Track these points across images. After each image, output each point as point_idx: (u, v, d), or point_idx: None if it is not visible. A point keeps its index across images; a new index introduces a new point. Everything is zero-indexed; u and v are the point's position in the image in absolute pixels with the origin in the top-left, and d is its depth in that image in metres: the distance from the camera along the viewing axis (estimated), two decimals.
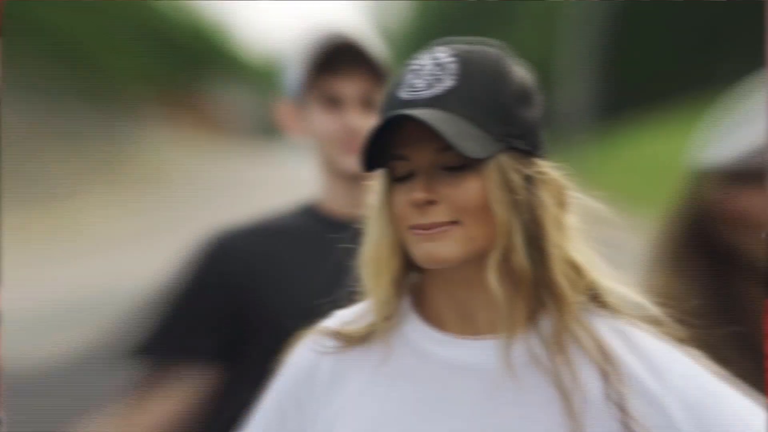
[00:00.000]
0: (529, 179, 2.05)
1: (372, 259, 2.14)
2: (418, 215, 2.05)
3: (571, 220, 2.10)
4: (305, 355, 2.17)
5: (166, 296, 3.41)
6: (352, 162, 3.31)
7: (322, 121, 3.37)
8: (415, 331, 2.13)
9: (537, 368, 2.05)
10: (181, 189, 34.52)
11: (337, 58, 3.30)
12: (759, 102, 2.99)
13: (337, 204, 3.40)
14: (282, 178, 34.02)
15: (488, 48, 2.10)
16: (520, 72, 2.09)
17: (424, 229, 2.05)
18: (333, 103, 3.33)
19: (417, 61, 2.08)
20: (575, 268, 2.07)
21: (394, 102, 2.07)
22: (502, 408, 2.05)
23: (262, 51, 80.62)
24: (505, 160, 2.04)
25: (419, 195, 2.04)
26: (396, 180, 2.08)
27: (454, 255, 2.05)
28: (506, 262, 2.05)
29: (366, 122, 3.32)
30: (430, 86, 2.05)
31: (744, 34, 33.16)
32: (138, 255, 19.17)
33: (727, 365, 2.35)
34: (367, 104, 3.36)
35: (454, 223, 2.04)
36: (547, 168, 2.09)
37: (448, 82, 2.05)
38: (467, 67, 2.06)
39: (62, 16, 29.01)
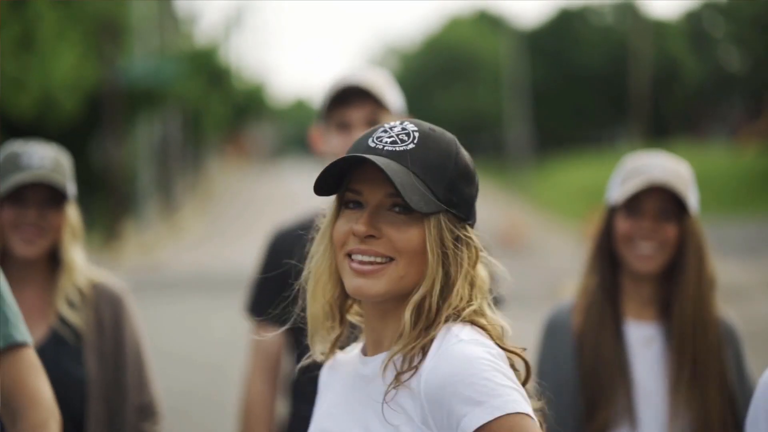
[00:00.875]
0: (457, 239, 1.96)
1: (312, 281, 2.00)
2: (356, 243, 1.95)
3: (480, 272, 1.99)
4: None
5: (254, 275, 3.43)
6: None
7: (335, 141, 3.30)
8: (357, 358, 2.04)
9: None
10: (230, 200, 36.22)
11: (346, 93, 3.28)
12: (640, 161, 3.16)
13: None
14: (284, 192, 35.55)
15: (446, 133, 2.02)
16: (466, 158, 2.01)
17: (361, 263, 1.94)
18: (344, 127, 3.29)
19: (389, 124, 2.01)
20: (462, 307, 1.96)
21: (361, 146, 1.98)
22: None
23: (284, 99, 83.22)
24: (444, 219, 1.95)
25: (361, 227, 1.93)
26: (345, 208, 1.97)
27: (382, 292, 1.94)
28: (419, 301, 1.94)
29: None
30: (394, 143, 1.96)
31: (631, 105, 36.83)
32: (220, 246, 22.74)
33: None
34: (371, 125, 3.26)
35: (390, 259, 1.94)
36: (472, 234, 1.99)
37: (409, 145, 1.96)
38: (426, 139, 1.98)
39: (197, 91, 32.26)
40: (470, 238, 1.98)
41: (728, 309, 3.22)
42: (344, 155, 1.96)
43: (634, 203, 3.12)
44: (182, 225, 28.68)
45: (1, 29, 15.42)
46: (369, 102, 3.30)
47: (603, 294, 3.14)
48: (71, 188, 3.26)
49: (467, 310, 1.94)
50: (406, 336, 1.93)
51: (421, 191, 1.93)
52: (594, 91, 45.25)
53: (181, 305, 14.61)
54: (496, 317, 1.99)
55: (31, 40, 16.04)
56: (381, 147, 1.96)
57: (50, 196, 3.23)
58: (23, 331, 2.56)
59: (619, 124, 44.42)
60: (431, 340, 1.93)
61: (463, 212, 1.98)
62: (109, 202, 21.38)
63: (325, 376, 2.09)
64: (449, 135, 2.02)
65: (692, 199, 3.13)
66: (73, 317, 3.25)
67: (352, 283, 1.95)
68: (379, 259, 1.94)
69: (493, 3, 56.79)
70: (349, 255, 1.96)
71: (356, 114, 3.30)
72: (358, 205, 1.96)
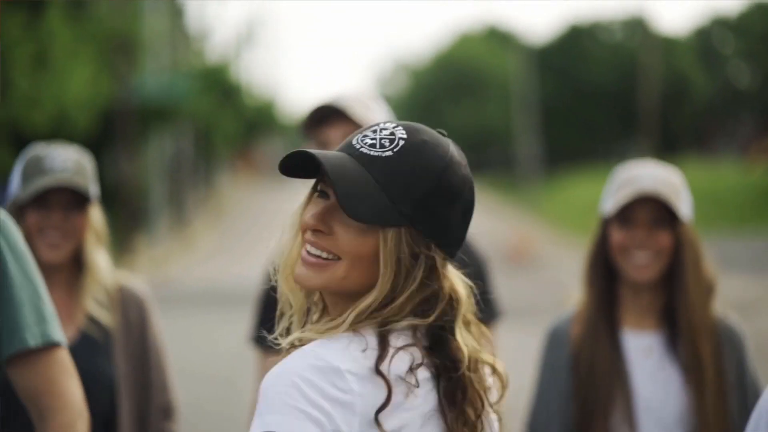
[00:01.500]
0: (415, 256, 1.85)
1: (284, 267, 1.94)
2: (309, 233, 1.89)
3: (458, 289, 1.89)
4: None
5: (261, 298, 3.47)
6: None
7: None
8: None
9: None
10: (241, 215, 36.23)
11: (323, 113, 3.31)
12: (630, 172, 3.15)
13: None
14: (293, 207, 35.72)
15: (445, 148, 1.89)
16: (455, 177, 1.88)
17: (308, 254, 1.88)
18: (323, 146, 3.27)
19: (384, 123, 1.91)
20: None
21: (347, 145, 1.90)
22: None
23: (294, 115, 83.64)
24: (406, 234, 1.85)
25: (310, 221, 1.87)
26: (318, 195, 1.90)
27: (318, 286, 1.88)
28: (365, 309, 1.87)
29: None
30: (372, 146, 1.86)
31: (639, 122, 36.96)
32: (230, 260, 22.74)
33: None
34: None
35: (337, 258, 1.87)
36: (436, 253, 1.87)
37: (386, 152, 1.85)
38: (410, 150, 1.86)
39: (209, 107, 32.43)
40: (432, 257, 1.86)
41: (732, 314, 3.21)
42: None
43: (627, 213, 3.13)
44: (193, 239, 28.84)
45: (15, 47, 15.63)
46: (345, 121, 3.31)
47: (599, 305, 3.14)
48: (94, 190, 3.27)
49: (402, 323, 1.86)
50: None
51: (373, 201, 1.83)
52: (603, 106, 45.38)
53: (191, 319, 14.73)
54: (462, 338, 1.88)
55: (45, 58, 16.21)
56: (358, 147, 1.88)
57: (74, 198, 3.23)
58: (59, 332, 2.57)
59: (628, 139, 44.52)
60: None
61: (431, 231, 1.86)
62: (121, 217, 21.54)
63: None
64: (442, 151, 1.88)
65: (684, 206, 3.14)
66: (103, 316, 3.27)
67: (295, 270, 1.89)
68: (324, 255, 1.87)
69: (503, 20, 57.03)
70: (306, 239, 1.90)
71: (333, 133, 3.32)
72: (324, 195, 1.89)
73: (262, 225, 29.94)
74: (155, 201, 27.77)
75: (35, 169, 3.22)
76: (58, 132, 16.16)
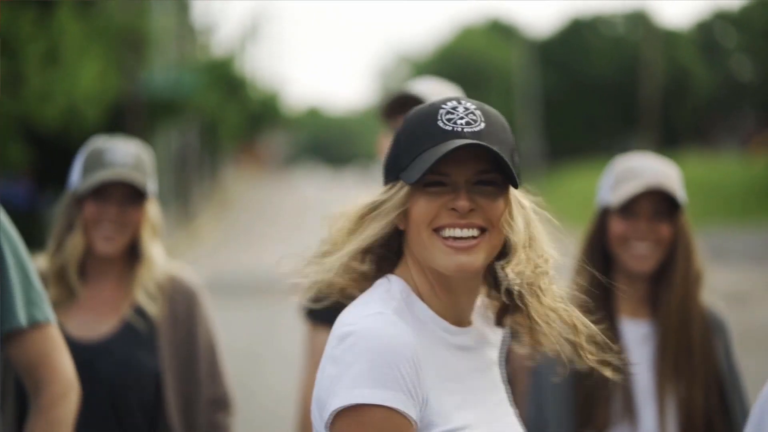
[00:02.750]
0: (524, 204, 2.01)
1: (361, 248, 1.99)
2: (453, 217, 1.93)
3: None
4: (406, 338, 1.96)
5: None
6: None
7: None
8: (441, 329, 2.01)
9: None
10: (246, 207, 36.13)
11: (404, 101, 3.33)
12: (629, 164, 3.19)
13: None
14: (297, 199, 35.27)
15: (490, 107, 2.03)
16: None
17: (457, 240, 1.93)
18: None
19: (447, 104, 1.97)
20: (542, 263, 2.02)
21: (438, 131, 1.94)
22: (495, 378, 2.06)
23: (297, 108, 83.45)
24: (519, 192, 2.00)
25: (465, 203, 1.92)
26: (424, 188, 1.94)
27: (482, 265, 1.95)
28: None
29: None
30: (468, 124, 1.94)
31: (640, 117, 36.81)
32: (236, 252, 22.92)
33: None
34: None
35: (483, 232, 1.95)
36: (523, 194, 2.03)
37: (481, 124, 1.95)
38: (489, 116, 1.98)
39: (214, 101, 32.40)
40: (523, 198, 2.02)
41: (731, 312, 3.29)
42: (431, 142, 1.95)
43: (629, 205, 3.16)
44: (199, 232, 28.97)
45: (27, 44, 15.88)
46: None
47: (596, 294, 3.01)
48: (152, 185, 3.30)
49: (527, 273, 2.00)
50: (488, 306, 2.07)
51: (510, 166, 1.95)
52: (605, 100, 45.43)
53: None
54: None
55: (56, 54, 16.45)
56: (460, 129, 1.95)
57: (131, 193, 3.25)
58: (46, 311, 2.68)
59: (629, 133, 44.62)
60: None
61: (521, 178, 2.01)
62: None
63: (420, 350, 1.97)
64: (495, 110, 2.03)
65: (681, 196, 3.19)
66: (150, 308, 3.29)
67: (451, 261, 1.94)
68: (475, 233, 1.94)
69: (505, 13, 57.09)
70: (436, 231, 1.95)
71: None
72: (441, 185, 1.95)
73: (267, 217, 30.95)
74: (162, 194, 27.88)
75: (95, 161, 3.26)
76: (69, 126, 16.43)
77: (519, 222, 1.98)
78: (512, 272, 1.97)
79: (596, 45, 46.77)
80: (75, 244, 3.25)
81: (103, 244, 3.25)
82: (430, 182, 1.95)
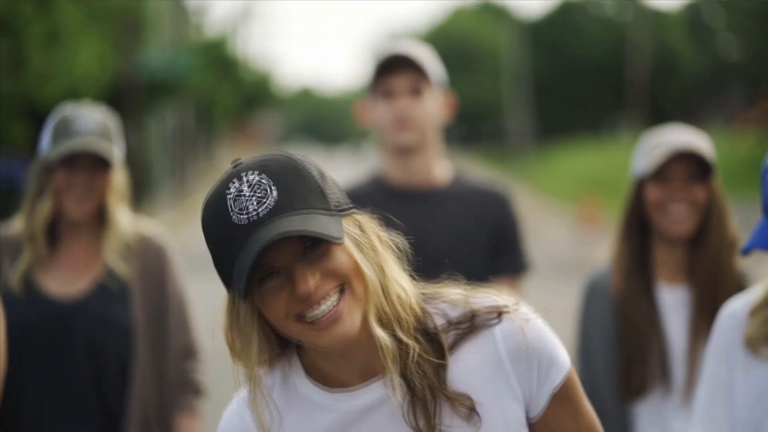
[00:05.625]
0: (362, 232, 1.83)
1: (248, 357, 1.83)
2: (304, 303, 1.78)
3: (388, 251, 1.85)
4: (234, 426, 1.88)
5: None
6: (402, 138, 3.34)
7: (380, 109, 3.36)
8: (318, 395, 1.86)
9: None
10: None
11: (391, 62, 3.33)
12: (661, 136, 3.26)
13: (396, 174, 3.40)
14: None
15: (275, 154, 1.83)
16: (305, 160, 1.83)
17: (323, 317, 1.77)
18: (389, 95, 3.34)
19: (230, 189, 1.78)
20: (403, 290, 1.85)
21: (235, 229, 1.76)
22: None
23: (290, 87, 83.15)
24: (348, 227, 1.82)
25: (304, 287, 1.76)
26: (258, 285, 1.78)
27: (358, 323, 1.79)
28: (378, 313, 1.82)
29: (414, 106, 3.34)
30: (260, 203, 1.76)
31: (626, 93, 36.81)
32: None
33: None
34: (414, 93, 3.36)
35: (341, 290, 1.79)
36: (361, 216, 1.85)
37: (273, 195, 1.77)
38: (275, 175, 1.78)
39: (208, 81, 32.75)
40: (362, 222, 1.86)
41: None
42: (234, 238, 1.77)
43: (663, 171, 3.21)
44: (195, 209, 28.60)
45: (28, 26, 16.20)
46: (412, 70, 3.32)
47: (637, 260, 3.22)
48: (118, 152, 3.36)
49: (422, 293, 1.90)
50: (388, 349, 1.82)
51: (323, 220, 1.79)
52: (594, 80, 45.65)
53: (196, 283, 15.36)
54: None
55: (56, 36, 16.80)
56: (255, 217, 1.77)
57: (98, 160, 3.33)
58: None
59: (618, 112, 44.84)
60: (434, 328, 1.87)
61: (345, 205, 1.85)
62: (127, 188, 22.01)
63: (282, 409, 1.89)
64: (281, 155, 1.84)
65: (714, 163, 3.23)
66: (119, 268, 3.37)
67: (325, 338, 1.79)
68: (335, 299, 1.79)
69: None
70: (299, 318, 1.80)
71: (400, 81, 3.33)
72: (272, 274, 1.79)
73: None
74: (158, 172, 28.20)
75: (63, 130, 3.31)
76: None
77: (364, 266, 1.81)
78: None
79: (586, 26, 46.99)
80: (44, 209, 3.35)
81: (73, 208, 3.35)
82: (262, 277, 1.79)
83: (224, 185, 1.80)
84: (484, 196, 3.46)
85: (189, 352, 3.45)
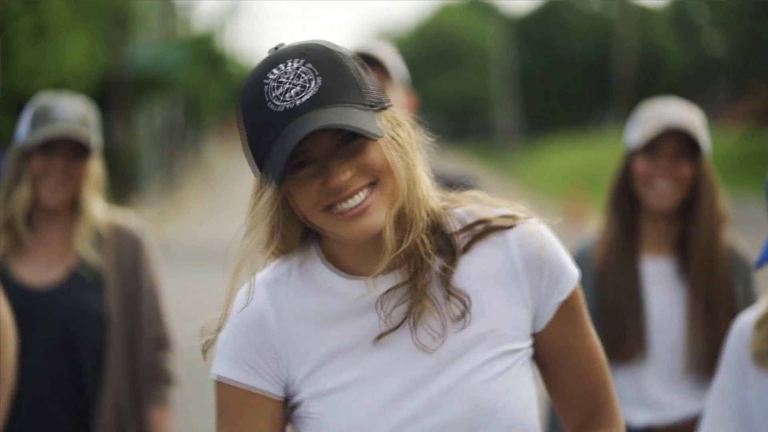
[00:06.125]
0: (396, 129, 1.82)
1: (259, 244, 1.84)
2: (335, 195, 1.77)
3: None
4: (250, 308, 1.87)
5: None
6: None
7: None
8: (334, 281, 1.85)
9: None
10: (228, 180, 35.33)
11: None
12: (655, 109, 3.27)
13: None
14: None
15: (318, 42, 1.81)
16: (347, 50, 1.82)
17: (351, 209, 1.77)
18: None
19: (270, 76, 1.75)
20: (425, 188, 1.85)
21: (274, 115, 1.75)
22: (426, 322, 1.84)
23: None
24: (383, 123, 1.80)
25: (338, 179, 1.76)
26: (289, 174, 1.76)
27: (383, 219, 1.79)
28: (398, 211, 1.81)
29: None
30: (300, 93, 1.74)
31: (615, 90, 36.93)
32: (219, 221, 21.70)
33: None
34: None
35: (371, 185, 1.78)
36: (396, 112, 1.83)
37: (313, 84, 1.75)
38: (318, 65, 1.76)
39: (196, 77, 32.71)
40: (398, 118, 1.84)
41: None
42: (272, 138, 1.76)
43: (652, 145, 3.25)
44: (183, 203, 29.15)
45: (16, 20, 16.20)
46: (375, 69, 3.24)
47: (622, 231, 3.27)
48: (96, 141, 3.36)
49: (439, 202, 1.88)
50: (387, 247, 1.81)
51: (362, 116, 1.77)
52: (580, 76, 45.76)
53: (186, 276, 15.33)
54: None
55: (44, 30, 16.80)
56: (293, 105, 1.75)
57: (76, 148, 3.33)
58: None
59: (604, 108, 44.99)
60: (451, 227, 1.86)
61: (382, 102, 1.82)
62: (115, 182, 22.12)
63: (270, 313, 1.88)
64: (322, 43, 1.81)
65: (704, 140, 3.26)
66: (92, 258, 3.37)
67: (351, 230, 1.79)
68: (363, 196, 1.78)
69: None
70: (327, 209, 1.80)
71: None
72: (305, 163, 1.78)
73: (248, 189, 31.05)
74: (146, 167, 28.23)
75: (42, 117, 3.31)
76: None
77: (397, 164, 1.80)
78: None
79: (572, 22, 47.08)
80: (22, 195, 3.34)
81: (50, 195, 3.35)
82: (295, 165, 1.77)
83: (265, 70, 1.78)
84: (454, 185, 3.48)
85: (161, 343, 3.46)
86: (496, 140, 43.52)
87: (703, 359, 3.22)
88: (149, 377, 3.44)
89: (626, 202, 3.30)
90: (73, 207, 3.39)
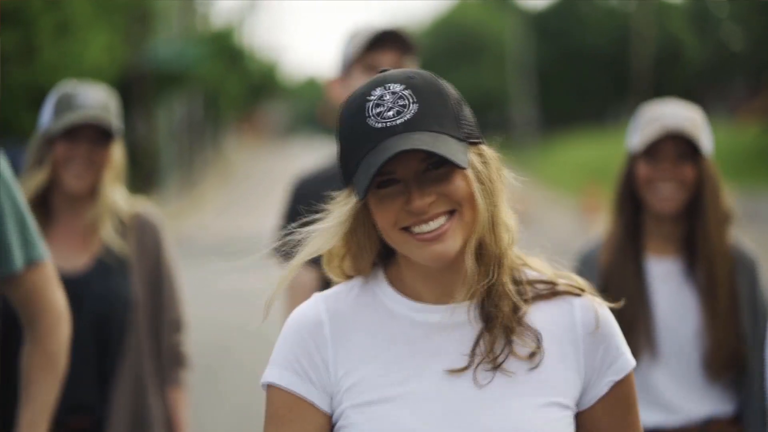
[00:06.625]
0: (485, 165, 1.88)
1: (344, 253, 1.93)
2: (414, 216, 1.84)
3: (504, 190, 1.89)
4: (308, 316, 1.93)
5: (279, 220, 3.54)
6: None
7: (362, 82, 3.11)
8: (397, 303, 1.91)
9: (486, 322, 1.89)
10: (246, 175, 36.66)
11: (378, 38, 3.36)
12: (655, 111, 3.28)
13: None
14: (295, 167, 35.26)
15: (420, 72, 1.90)
16: (447, 83, 1.90)
17: (429, 233, 1.83)
18: (372, 69, 3.33)
19: (373, 94, 1.86)
20: (510, 233, 1.90)
21: (370, 131, 1.84)
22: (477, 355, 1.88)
23: (295, 78, 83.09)
24: (473, 157, 1.87)
25: (419, 202, 1.83)
26: (375, 189, 1.84)
27: (458, 247, 1.85)
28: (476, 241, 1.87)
29: None
30: (399, 114, 1.83)
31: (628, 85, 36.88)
32: (236, 216, 23.41)
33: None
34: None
35: (451, 212, 1.85)
36: (486, 150, 1.91)
37: (413, 108, 1.83)
38: (419, 92, 1.85)
39: (215, 72, 33.02)
40: (487, 156, 1.90)
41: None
42: (359, 146, 1.84)
43: (653, 149, 3.25)
44: (202, 198, 29.32)
45: (40, 17, 16.38)
46: (398, 47, 3.37)
47: (626, 233, 3.29)
48: (118, 127, 3.41)
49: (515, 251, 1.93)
50: (471, 278, 1.87)
51: (453, 145, 1.84)
52: (598, 70, 45.64)
53: (205, 269, 15.50)
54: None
55: (66, 27, 16.96)
56: (391, 124, 1.84)
57: (99, 134, 3.38)
58: (40, 249, 2.80)
59: (621, 102, 44.91)
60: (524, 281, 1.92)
61: (476, 135, 1.90)
62: (135, 177, 22.29)
63: (327, 326, 1.93)
64: (425, 73, 1.91)
65: (706, 142, 3.27)
66: (116, 244, 3.44)
67: (425, 253, 1.85)
68: (442, 221, 1.85)
69: None
70: (405, 229, 1.86)
71: (385, 57, 3.37)
72: (391, 182, 1.85)
73: (267, 184, 30.67)
74: (166, 162, 28.40)
75: (66, 105, 3.37)
76: None
77: (479, 197, 1.86)
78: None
79: (590, 16, 47.01)
80: (37, 179, 3.40)
81: (73, 182, 3.39)
82: (381, 183, 1.85)
83: (369, 89, 1.88)
84: None
85: (178, 326, 3.55)
86: (513, 134, 43.41)
87: (713, 359, 3.24)
88: (168, 359, 3.52)
89: (630, 205, 3.32)
90: (94, 194, 3.44)
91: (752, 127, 35.37)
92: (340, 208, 1.89)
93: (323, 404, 1.90)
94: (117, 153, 3.44)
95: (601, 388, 1.91)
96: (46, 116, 3.42)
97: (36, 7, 16.42)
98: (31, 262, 2.78)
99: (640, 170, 3.27)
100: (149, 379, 3.48)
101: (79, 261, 3.43)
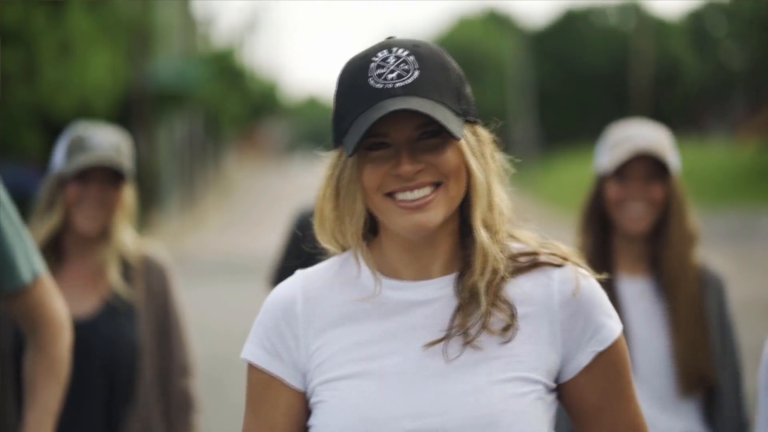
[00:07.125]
0: (479, 144, 1.87)
1: (332, 220, 1.90)
2: (400, 182, 1.83)
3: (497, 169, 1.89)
4: (282, 294, 1.92)
5: (279, 249, 3.59)
6: None
7: None
8: (373, 281, 1.90)
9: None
10: (247, 194, 36.88)
11: None
12: (623, 132, 3.32)
13: None
14: (296, 185, 35.86)
15: (428, 42, 1.90)
16: (453, 60, 1.91)
17: (412, 201, 1.83)
18: None
19: (378, 56, 1.86)
20: (502, 215, 1.90)
21: (368, 91, 1.83)
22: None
23: (296, 97, 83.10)
24: (468, 134, 1.86)
25: (408, 167, 1.82)
26: (367, 152, 1.84)
27: (440, 220, 1.84)
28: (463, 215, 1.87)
29: None
30: (400, 77, 1.83)
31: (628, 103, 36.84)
32: (237, 234, 23.48)
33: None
34: None
35: (437, 185, 1.84)
36: (482, 129, 1.90)
37: (414, 74, 1.83)
38: (423, 60, 1.85)
39: (216, 92, 33.00)
40: (483, 135, 1.90)
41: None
42: (359, 106, 1.84)
43: (623, 169, 3.29)
44: (204, 216, 29.49)
45: (41, 37, 16.46)
46: None
47: (596, 253, 3.30)
48: (129, 170, 3.44)
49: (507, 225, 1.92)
50: (491, 254, 1.86)
51: (449, 115, 1.84)
52: (597, 89, 45.77)
53: (207, 288, 15.50)
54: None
55: (68, 48, 17.04)
56: (391, 86, 1.83)
57: (111, 176, 3.41)
58: (39, 263, 2.86)
59: (621, 121, 44.89)
60: (513, 255, 1.90)
61: (474, 114, 1.89)
62: (137, 196, 22.31)
63: (300, 306, 1.92)
64: (432, 45, 1.91)
65: (673, 161, 3.31)
66: (124, 289, 3.45)
67: (406, 221, 1.84)
68: (427, 191, 1.84)
69: (501, 4, 57.33)
70: (389, 195, 1.86)
71: None
72: (383, 145, 1.85)
73: (267, 202, 31.33)
74: (167, 181, 28.47)
75: (78, 146, 3.41)
76: (82, 116, 17.04)
77: (476, 170, 1.87)
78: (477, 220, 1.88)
79: (589, 36, 47.18)
80: (50, 222, 3.43)
81: (85, 223, 3.42)
82: (372, 145, 1.85)
83: (373, 51, 1.88)
84: None
85: (187, 371, 3.56)
86: (513, 153, 43.38)
87: (682, 378, 3.25)
88: (178, 403, 3.53)
89: (597, 226, 3.34)
90: (105, 235, 3.46)
91: (752, 145, 35.43)
92: (329, 167, 1.89)
93: (295, 381, 1.90)
94: (129, 194, 3.46)
95: (583, 358, 1.88)
96: (58, 158, 3.46)
97: (37, 26, 16.50)
98: (36, 275, 2.82)
99: (610, 191, 3.30)
100: (158, 425, 3.48)
101: (88, 304, 3.46)
